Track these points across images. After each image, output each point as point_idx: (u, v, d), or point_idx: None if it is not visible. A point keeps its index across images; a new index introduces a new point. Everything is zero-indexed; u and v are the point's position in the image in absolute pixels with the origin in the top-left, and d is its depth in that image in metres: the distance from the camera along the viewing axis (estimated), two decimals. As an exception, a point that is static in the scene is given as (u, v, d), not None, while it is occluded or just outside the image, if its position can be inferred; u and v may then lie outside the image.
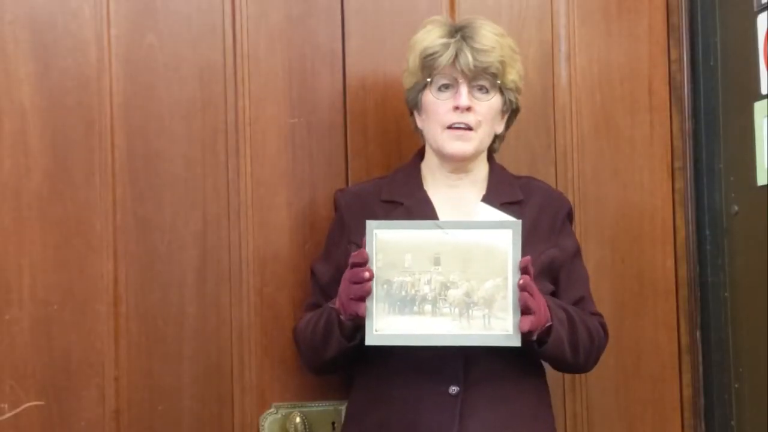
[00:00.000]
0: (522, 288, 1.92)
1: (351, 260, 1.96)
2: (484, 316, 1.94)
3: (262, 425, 2.34)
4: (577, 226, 2.51)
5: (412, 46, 2.17)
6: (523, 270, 1.94)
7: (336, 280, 2.05)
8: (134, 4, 2.34)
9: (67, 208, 2.28)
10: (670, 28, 2.57)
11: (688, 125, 2.55)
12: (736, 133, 2.46)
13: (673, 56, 2.57)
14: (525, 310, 1.93)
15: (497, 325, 1.94)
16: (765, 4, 2.34)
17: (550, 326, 2.01)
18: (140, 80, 2.33)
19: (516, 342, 1.95)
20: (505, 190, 2.19)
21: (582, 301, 2.20)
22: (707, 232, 2.53)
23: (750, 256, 2.40)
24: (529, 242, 2.02)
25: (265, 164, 2.38)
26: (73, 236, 2.28)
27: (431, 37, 2.13)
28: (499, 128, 2.19)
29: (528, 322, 1.93)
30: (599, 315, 2.23)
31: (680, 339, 2.54)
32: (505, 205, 2.14)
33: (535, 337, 1.99)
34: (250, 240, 2.36)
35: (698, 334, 2.54)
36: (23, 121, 2.27)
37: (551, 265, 2.14)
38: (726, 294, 2.49)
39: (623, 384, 2.52)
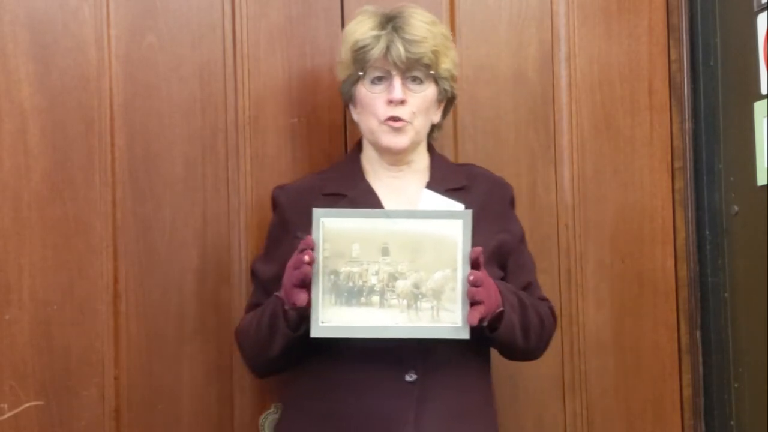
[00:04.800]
0: (472, 283, 1.90)
1: (299, 247, 1.91)
2: (432, 308, 1.91)
3: (262, 425, 2.34)
4: (577, 226, 2.51)
5: (344, 38, 2.14)
6: (474, 262, 1.91)
7: (279, 278, 2.01)
8: (134, 4, 2.34)
9: (67, 208, 2.28)
10: (670, 28, 2.57)
11: (688, 125, 2.55)
12: (736, 133, 2.46)
13: (673, 56, 2.57)
14: (474, 302, 1.90)
15: (446, 317, 1.91)
16: (765, 4, 2.34)
17: (502, 312, 1.98)
18: (140, 80, 2.34)
19: (464, 335, 1.92)
20: (448, 177, 2.16)
21: (530, 286, 2.17)
22: (707, 233, 2.53)
23: (750, 256, 2.40)
24: (478, 227, 1.97)
25: (265, 164, 2.38)
26: (73, 236, 2.28)
27: (362, 29, 2.10)
28: (436, 118, 2.17)
29: (477, 313, 1.90)
30: (547, 300, 2.21)
31: (680, 339, 2.54)
32: (449, 192, 2.12)
33: (486, 323, 1.96)
34: (250, 240, 2.36)
35: (698, 334, 2.54)
36: (23, 121, 2.27)
37: (500, 249, 2.12)
38: (726, 294, 2.48)
39: (623, 384, 2.52)
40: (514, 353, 2.14)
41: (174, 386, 2.32)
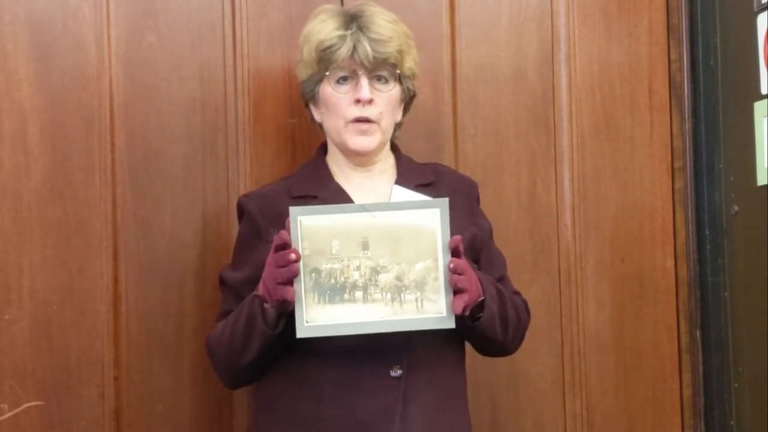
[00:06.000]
0: (453, 270, 1.89)
1: (273, 244, 1.90)
2: (416, 299, 1.90)
3: (262, 425, 2.33)
4: (577, 226, 2.51)
5: (306, 37, 2.11)
6: (453, 251, 1.90)
7: (250, 281, 2.00)
8: (134, 4, 2.34)
9: (67, 208, 2.28)
10: (670, 28, 2.57)
11: (688, 125, 2.55)
12: (736, 133, 2.46)
13: (673, 56, 2.57)
14: (457, 290, 1.90)
15: (430, 307, 1.90)
16: (765, 4, 2.34)
17: (482, 301, 1.97)
18: (140, 80, 2.34)
19: (450, 324, 1.91)
20: (415, 175, 2.15)
21: (503, 280, 2.16)
22: (707, 232, 2.53)
23: (750, 256, 2.40)
24: (450, 220, 1.95)
25: (265, 164, 2.38)
26: (73, 236, 2.28)
27: (327, 28, 2.07)
28: (399, 116, 2.16)
29: (461, 302, 1.89)
30: (520, 294, 2.19)
31: (680, 339, 2.55)
32: (419, 187, 2.11)
33: (467, 313, 1.95)
34: (250, 240, 2.35)
35: (698, 334, 2.54)
36: (23, 121, 2.27)
37: (473, 244, 2.10)
38: (726, 294, 2.49)
39: (623, 384, 2.52)
40: (491, 345, 2.10)
41: (174, 386, 2.32)
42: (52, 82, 2.29)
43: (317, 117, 2.15)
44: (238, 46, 2.39)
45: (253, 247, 2.08)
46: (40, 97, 2.28)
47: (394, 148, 2.20)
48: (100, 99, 2.31)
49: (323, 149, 2.19)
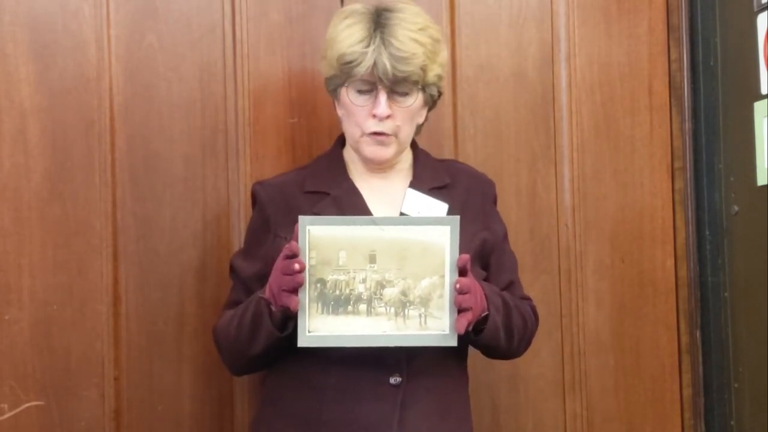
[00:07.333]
0: (459, 291, 1.88)
1: (284, 252, 1.89)
2: (420, 315, 1.90)
3: (262, 425, 2.34)
4: (577, 226, 2.51)
5: (330, 41, 2.07)
6: (461, 270, 1.90)
7: (260, 276, 2.00)
8: (134, 4, 2.34)
9: (67, 208, 2.28)
10: (670, 28, 2.57)
11: (688, 125, 2.55)
12: (736, 133, 2.46)
13: (673, 56, 2.57)
14: (462, 309, 1.89)
15: (433, 324, 1.90)
16: (765, 4, 2.34)
17: (487, 315, 1.97)
18: (140, 80, 2.33)
19: (452, 342, 1.91)
20: (431, 176, 2.14)
21: (512, 285, 2.16)
22: (707, 232, 2.53)
23: (750, 256, 2.41)
24: (461, 224, 1.93)
25: (265, 164, 2.38)
26: (73, 236, 2.28)
27: (349, 39, 2.02)
28: (421, 119, 2.13)
29: (465, 321, 1.89)
30: (529, 299, 2.19)
31: (680, 339, 2.55)
32: (433, 190, 2.10)
33: (471, 329, 1.95)
34: (250, 240, 2.35)
35: (698, 334, 2.54)
36: (23, 121, 2.27)
37: (483, 248, 2.10)
38: (726, 294, 2.49)
39: (623, 384, 2.52)
40: (496, 352, 2.11)
41: (174, 387, 2.32)
42: (52, 82, 2.29)
43: (339, 113, 2.14)
44: (238, 46, 2.38)
45: (263, 241, 2.08)
46: (40, 97, 2.28)
47: (413, 144, 2.18)
48: (100, 99, 2.31)
49: (341, 142, 2.18)
